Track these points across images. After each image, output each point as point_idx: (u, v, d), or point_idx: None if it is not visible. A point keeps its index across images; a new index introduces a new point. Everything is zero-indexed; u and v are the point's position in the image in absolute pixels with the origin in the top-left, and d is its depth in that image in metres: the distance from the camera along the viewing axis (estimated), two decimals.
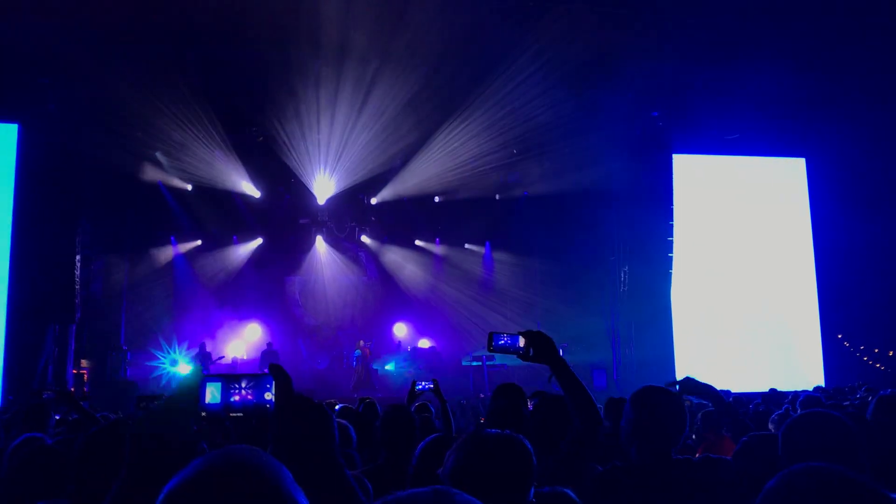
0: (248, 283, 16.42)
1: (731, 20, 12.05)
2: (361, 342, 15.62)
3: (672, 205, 15.51)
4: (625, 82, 13.23)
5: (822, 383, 13.89)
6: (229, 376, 1.41)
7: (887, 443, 3.20)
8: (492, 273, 17.31)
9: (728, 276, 15.93)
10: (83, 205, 13.63)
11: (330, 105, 13.94)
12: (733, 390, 10.00)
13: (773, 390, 9.11)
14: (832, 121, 15.14)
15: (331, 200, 16.51)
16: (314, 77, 13.28)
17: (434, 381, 4.55)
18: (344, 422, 3.91)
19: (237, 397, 1.40)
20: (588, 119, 14.41)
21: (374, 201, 16.79)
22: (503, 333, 2.48)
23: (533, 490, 1.66)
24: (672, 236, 15.53)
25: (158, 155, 14.69)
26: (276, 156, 15.12)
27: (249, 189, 15.99)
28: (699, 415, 5.49)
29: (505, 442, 1.67)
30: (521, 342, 2.43)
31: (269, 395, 1.39)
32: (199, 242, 16.21)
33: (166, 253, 15.90)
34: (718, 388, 3.15)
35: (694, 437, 5.52)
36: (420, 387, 4.55)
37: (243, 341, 16.12)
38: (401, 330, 17.06)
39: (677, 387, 2.93)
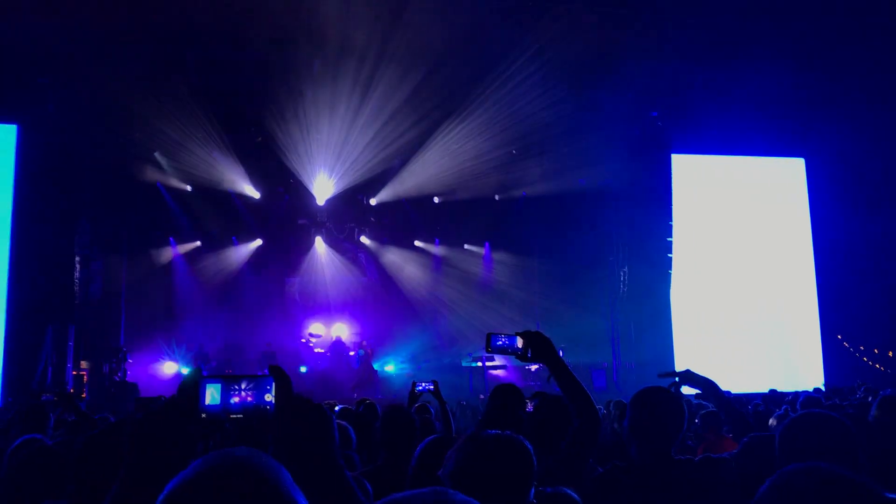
0: (247, 284, 16.41)
1: (731, 20, 12.06)
2: (364, 342, 15.64)
3: (671, 205, 15.53)
4: (625, 82, 13.24)
5: (822, 383, 13.89)
6: (229, 377, 1.40)
7: (889, 443, 3.20)
8: (491, 273, 17.31)
9: (728, 277, 15.94)
10: (82, 205, 13.63)
11: (329, 105, 13.94)
12: (733, 390, 9.99)
13: (773, 391, 9.12)
14: (832, 121, 15.15)
15: (330, 201, 16.50)
16: (313, 77, 13.28)
17: (434, 383, 4.55)
18: (343, 423, 3.90)
19: (237, 399, 1.39)
20: (588, 119, 14.42)
21: (373, 202, 16.79)
22: (501, 334, 2.48)
23: (534, 490, 1.66)
24: (672, 236, 15.54)
25: (157, 155, 14.69)
26: (276, 156, 15.11)
27: (249, 190, 15.99)
28: (699, 415, 5.48)
29: (505, 443, 1.67)
30: (520, 343, 2.43)
31: (269, 397, 1.39)
32: (198, 243, 16.20)
33: (165, 254, 15.89)
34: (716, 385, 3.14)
35: (693, 437, 5.51)
36: (420, 388, 4.55)
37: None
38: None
39: (676, 378, 2.92)
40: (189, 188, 15.55)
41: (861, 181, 15.91)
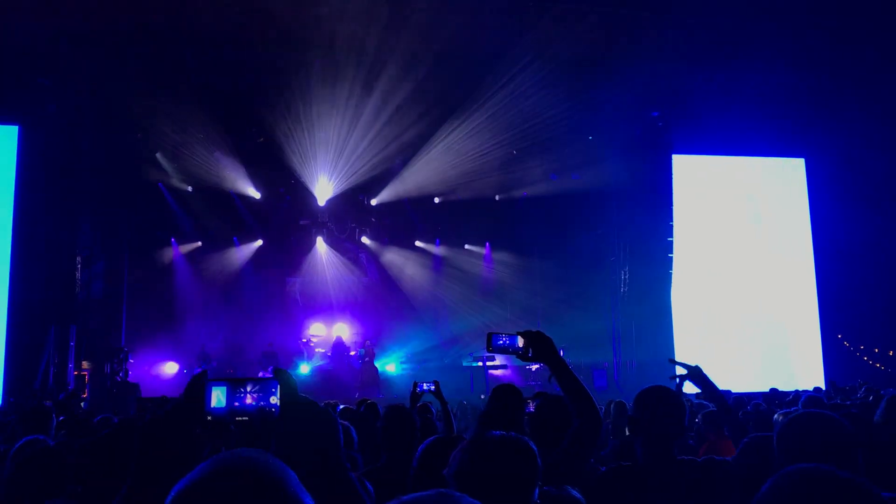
0: (248, 285, 16.42)
1: (731, 20, 12.06)
2: (368, 341, 15.65)
3: (672, 205, 15.52)
4: (625, 82, 13.24)
5: (823, 383, 13.89)
6: (235, 380, 1.41)
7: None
8: (492, 273, 17.31)
9: (728, 277, 15.94)
10: (84, 206, 13.64)
11: (330, 105, 13.94)
12: (733, 390, 10.00)
13: (773, 390, 9.12)
14: (832, 121, 15.16)
15: (331, 201, 16.51)
16: (314, 78, 13.28)
17: (435, 383, 4.56)
18: (346, 423, 3.91)
19: (243, 401, 1.40)
20: (588, 119, 14.42)
21: (374, 202, 16.79)
22: (502, 334, 2.48)
23: (537, 490, 1.67)
24: (672, 236, 15.54)
25: (159, 156, 14.70)
26: (277, 157, 15.11)
27: (250, 190, 16.00)
28: (699, 415, 5.48)
29: (510, 443, 1.68)
30: (521, 342, 2.43)
31: (274, 399, 1.40)
32: (199, 244, 16.21)
33: (167, 254, 15.90)
34: (719, 388, 3.17)
35: (694, 437, 5.51)
36: (422, 388, 4.55)
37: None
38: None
39: (685, 371, 2.94)
40: (190, 189, 15.56)
41: (861, 181, 15.90)
